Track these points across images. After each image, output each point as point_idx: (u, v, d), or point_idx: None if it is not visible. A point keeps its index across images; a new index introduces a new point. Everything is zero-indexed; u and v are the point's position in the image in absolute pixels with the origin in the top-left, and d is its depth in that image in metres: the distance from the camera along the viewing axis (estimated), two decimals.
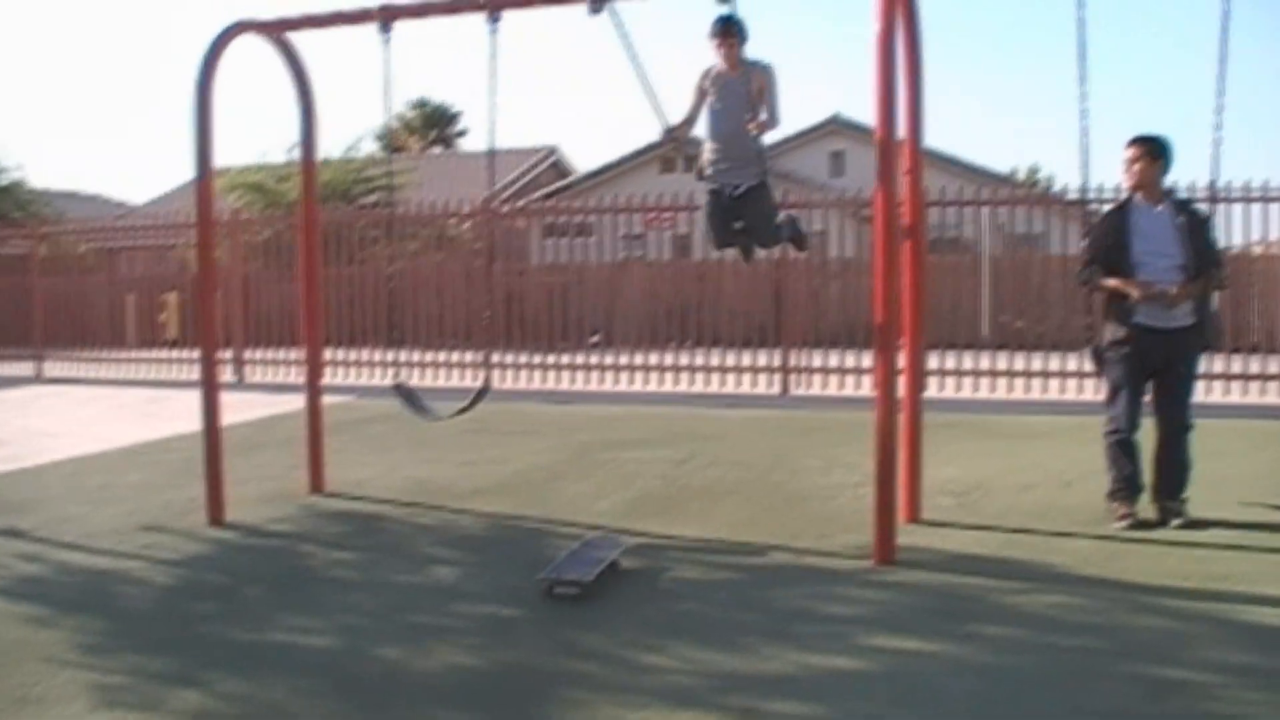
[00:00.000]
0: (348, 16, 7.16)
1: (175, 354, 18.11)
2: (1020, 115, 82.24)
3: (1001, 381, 13.66)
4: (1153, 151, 6.60)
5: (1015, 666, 4.45)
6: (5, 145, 39.32)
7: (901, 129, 6.45)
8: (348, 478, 8.55)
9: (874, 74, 5.75)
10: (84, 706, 4.30)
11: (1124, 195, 6.94)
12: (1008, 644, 4.71)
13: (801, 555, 6.15)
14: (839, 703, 4.12)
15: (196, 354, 17.42)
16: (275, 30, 7.48)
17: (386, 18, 6.95)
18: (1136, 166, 6.58)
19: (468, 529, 7.08)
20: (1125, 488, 6.67)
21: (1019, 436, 10.16)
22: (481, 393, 6.96)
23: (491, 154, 7.07)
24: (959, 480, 7.93)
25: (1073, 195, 13.58)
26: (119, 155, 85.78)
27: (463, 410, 6.99)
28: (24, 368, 19.00)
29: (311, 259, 8.27)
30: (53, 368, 18.84)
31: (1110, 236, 6.66)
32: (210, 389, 7.49)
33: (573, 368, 15.53)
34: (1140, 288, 6.41)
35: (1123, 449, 6.67)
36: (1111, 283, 6.59)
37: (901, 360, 6.69)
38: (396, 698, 4.32)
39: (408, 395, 7.17)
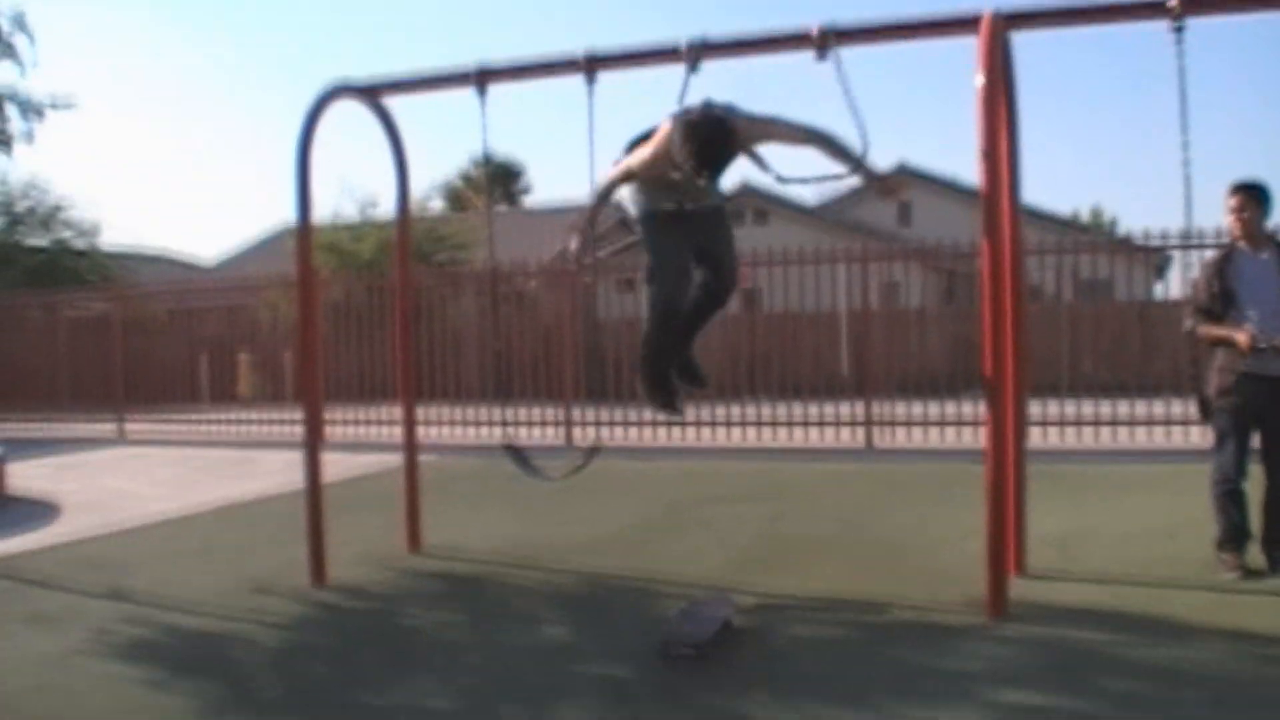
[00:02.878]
0: (446, 80, 7.26)
1: (256, 414, 18.30)
2: (1080, 156, 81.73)
3: (1089, 430, 13.52)
4: (1257, 198, 6.54)
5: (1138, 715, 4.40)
6: (84, 207, 39.70)
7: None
8: (444, 538, 8.58)
9: (978, 126, 5.75)
10: None
11: (1227, 242, 6.88)
12: (1132, 699, 4.65)
13: (912, 611, 6.10)
14: None
15: (274, 414, 17.81)
16: (373, 95, 7.59)
17: (483, 80, 7.03)
18: (1245, 214, 6.52)
19: (571, 588, 7.08)
20: (1234, 537, 6.58)
21: (1113, 487, 10.06)
22: (594, 452, 6.95)
23: (594, 211, 7.06)
24: (1060, 532, 7.85)
25: (1155, 241, 13.49)
26: (180, 213, 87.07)
27: (577, 470, 6.97)
28: (107, 429, 19.27)
29: (406, 317, 8.36)
30: (134, 428, 19.09)
31: (1215, 284, 6.60)
32: (313, 448, 7.58)
33: (655, 423, 15.50)
34: (1247, 336, 6.34)
35: (1231, 499, 6.58)
36: (1218, 332, 6.52)
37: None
38: None
39: (517, 454, 7.18)
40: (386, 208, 26.70)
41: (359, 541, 8.61)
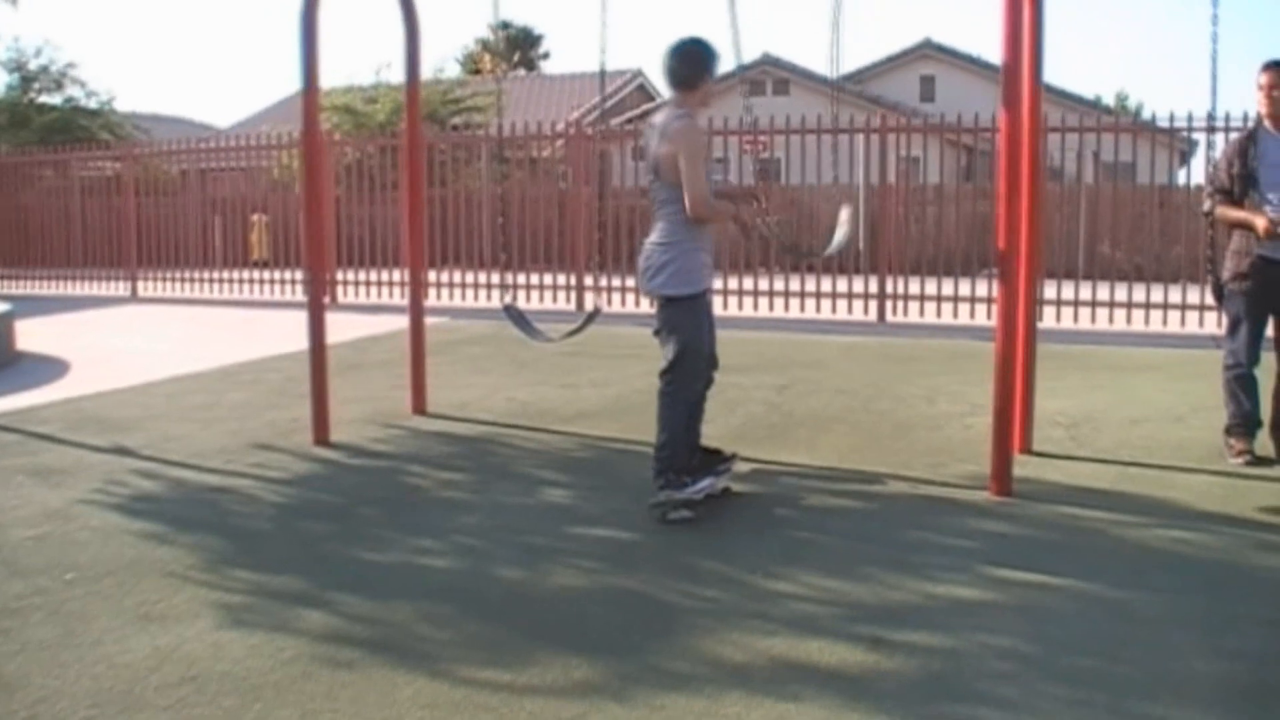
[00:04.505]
0: None
1: (266, 275, 18.27)
2: (1103, 40, 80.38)
3: (1103, 312, 13.41)
4: None
5: (1144, 603, 4.35)
6: (92, 69, 39.55)
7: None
8: (449, 399, 8.58)
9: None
10: (209, 624, 4.30)
11: (1251, 123, 6.71)
12: (1134, 580, 4.60)
13: (915, 485, 6.08)
14: (966, 635, 4.04)
15: (286, 275, 17.76)
16: None
17: None
18: (1276, 93, 6.30)
19: (575, 452, 7.07)
20: (1243, 423, 6.51)
21: (1124, 370, 9.99)
22: (592, 316, 6.90)
23: (603, 76, 6.94)
24: (1069, 413, 7.81)
25: (1178, 123, 13.24)
26: (202, 78, 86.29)
27: (573, 333, 6.94)
28: (120, 287, 19.26)
29: (416, 178, 8.27)
30: (145, 288, 19.07)
31: (1236, 166, 6.44)
32: (316, 307, 7.52)
33: None
34: (1267, 221, 6.19)
35: (1241, 384, 6.49)
36: (1236, 214, 6.38)
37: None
38: (520, 621, 4.30)
39: (518, 317, 7.13)
40: (401, 70, 26.40)
41: (364, 401, 8.62)
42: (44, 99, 31.10)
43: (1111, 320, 13.32)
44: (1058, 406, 7.89)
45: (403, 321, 11.97)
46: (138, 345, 12.89)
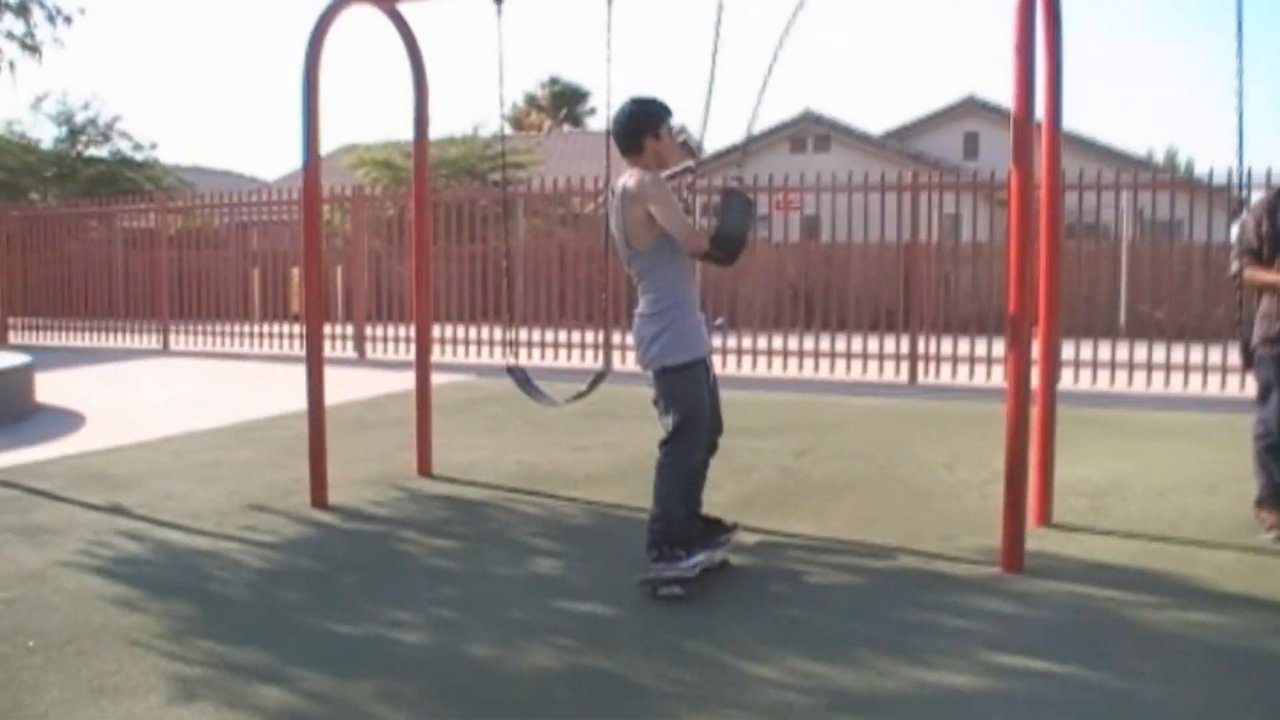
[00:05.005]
0: None
1: (298, 329, 18.19)
2: (1156, 96, 79.96)
3: (1140, 374, 13.06)
4: None
5: (1153, 698, 4.04)
6: (138, 122, 40.06)
7: (1040, 107, 6.01)
8: (457, 460, 8.38)
9: (1012, 46, 5.34)
10: (160, 699, 4.09)
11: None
12: (1144, 670, 4.28)
13: (923, 559, 5.78)
14: None
15: (331, 330, 17.62)
16: (385, 2, 7.28)
17: None
18: None
19: (575, 519, 6.83)
20: (1274, 495, 6.17)
21: (1157, 434, 9.66)
22: (600, 376, 6.66)
23: (609, 133, 6.72)
24: (1092, 481, 7.49)
25: (1219, 180, 12.93)
26: (252, 132, 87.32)
27: (580, 395, 6.68)
28: (152, 340, 19.26)
29: (421, 233, 8.11)
30: (178, 340, 19.05)
31: (1264, 226, 6.16)
32: (315, 364, 7.31)
33: None
34: None
35: (1272, 454, 6.16)
36: (1266, 277, 6.09)
37: (1035, 351, 6.28)
38: (482, 703, 4.05)
39: (522, 378, 6.91)
40: (441, 126, 26.50)
41: (371, 461, 8.44)
42: (91, 151, 31.40)
43: (1149, 383, 12.97)
44: (1083, 474, 7.59)
45: (434, 378, 11.90)
46: (158, 399, 12.78)
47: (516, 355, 7.14)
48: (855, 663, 4.35)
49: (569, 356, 15.61)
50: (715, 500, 6.99)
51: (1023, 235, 5.46)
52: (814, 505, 7.01)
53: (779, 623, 4.87)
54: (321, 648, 4.65)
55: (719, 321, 15.70)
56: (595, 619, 4.98)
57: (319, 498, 7.10)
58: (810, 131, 29.86)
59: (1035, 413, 6.24)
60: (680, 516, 5.34)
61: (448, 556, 6.04)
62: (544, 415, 9.49)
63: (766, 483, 7.65)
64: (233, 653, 4.60)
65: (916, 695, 4.05)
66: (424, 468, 8.00)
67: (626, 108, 5.40)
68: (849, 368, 14.36)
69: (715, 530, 5.67)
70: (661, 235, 5.20)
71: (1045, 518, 6.39)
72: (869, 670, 4.28)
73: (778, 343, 14.85)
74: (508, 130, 30.13)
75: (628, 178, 5.29)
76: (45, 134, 31.89)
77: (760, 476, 7.82)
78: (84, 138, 31.40)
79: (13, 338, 20.77)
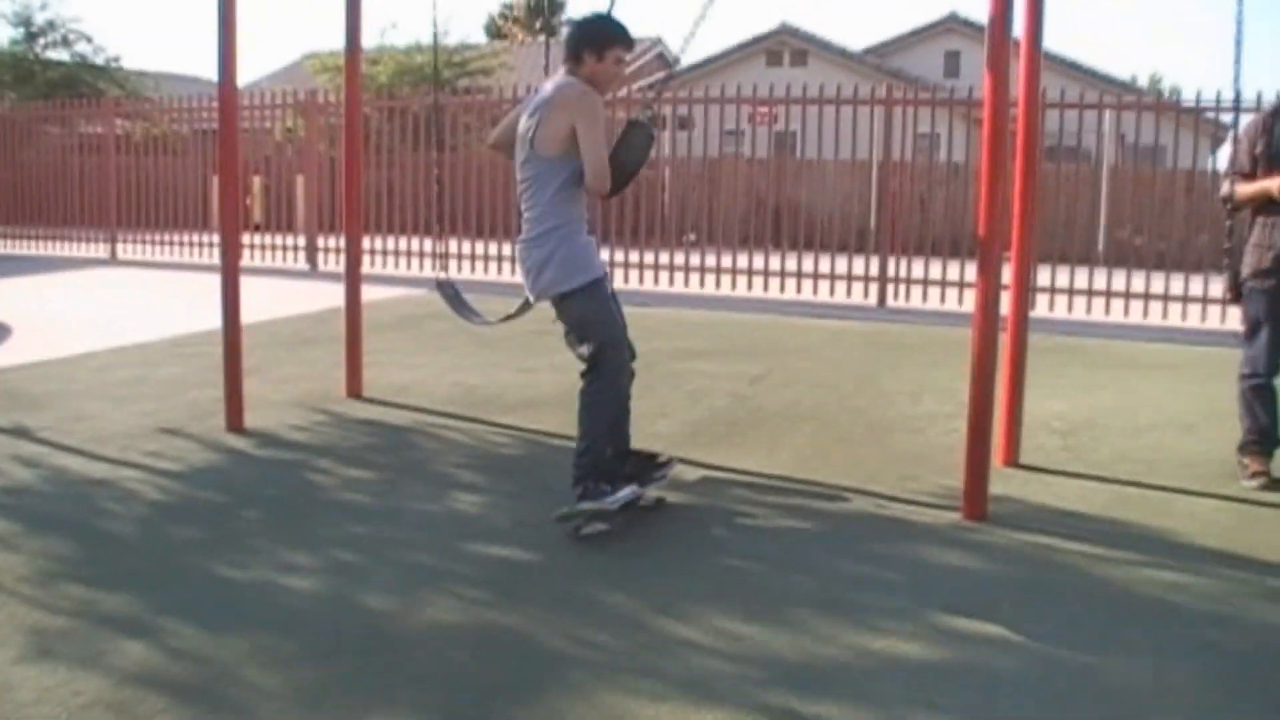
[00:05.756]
0: None
1: (257, 240, 17.56)
2: (1140, 21, 79.03)
3: (1118, 303, 12.58)
4: None
5: (1119, 670, 3.56)
6: (103, 25, 38.98)
7: (1019, 21, 5.46)
8: (393, 380, 7.91)
9: None
10: (10, 656, 3.61)
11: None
12: (1111, 638, 3.81)
13: (878, 502, 5.30)
14: (898, 709, 3.29)
15: (279, 240, 17.02)
16: None
17: None
18: None
19: (507, 448, 6.33)
20: (1259, 440, 5.71)
21: (1136, 366, 9.19)
22: (527, 304, 6.10)
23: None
24: (1066, 417, 7.04)
25: (1206, 103, 12.42)
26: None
27: (511, 317, 6.11)
28: (99, 249, 18.61)
29: (353, 142, 7.57)
30: (127, 250, 18.39)
31: (1260, 144, 5.64)
32: (230, 277, 6.84)
33: (657, 268, 14.68)
34: None
35: (1258, 396, 5.69)
36: (1251, 188, 5.59)
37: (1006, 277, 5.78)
38: (365, 667, 3.57)
39: (452, 294, 6.36)
40: (406, 32, 25.75)
41: (300, 381, 7.97)
42: (50, 55, 30.41)
43: (1127, 312, 12.48)
44: (1056, 409, 7.14)
45: (381, 292, 11.32)
46: (93, 312, 12.19)
47: (446, 269, 6.56)
48: (792, 625, 3.87)
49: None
50: (660, 430, 6.56)
51: (995, 153, 4.93)
52: (765, 437, 6.53)
53: (713, 574, 4.40)
54: (202, 595, 4.17)
55: (691, 238, 15.16)
56: (511, 565, 4.51)
57: (235, 422, 6.60)
58: (787, 45, 29.19)
59: (1005, 342, 5.76)
60: (606, 448, 4.93)
61: (361, 490, 5.53)
62: (494, 334, 8.96)
63: (716, 411, 7.17)
64: (103, 600, 4.12)
65: (856, 665, 3.57)
66: (354, 389, 7.50)
67: (579, 19, 5.13)
68: (816, 289, 13.83)
69: (649, 465, 5.20)
70: (570, 153, 4.78)
71: (1012, 457, 5.93)
72: (806, 634, 3.80)
73: (744, 262, 14.29)
74: (480, 39, 29.41)
75: (565, 84, 4.85)
76: (2, 37, 30.89)
77: (711, 404, 7.34)
78: (43, 40, 30.37)
79: None
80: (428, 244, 15.75)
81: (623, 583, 4.27)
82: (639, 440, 5.48)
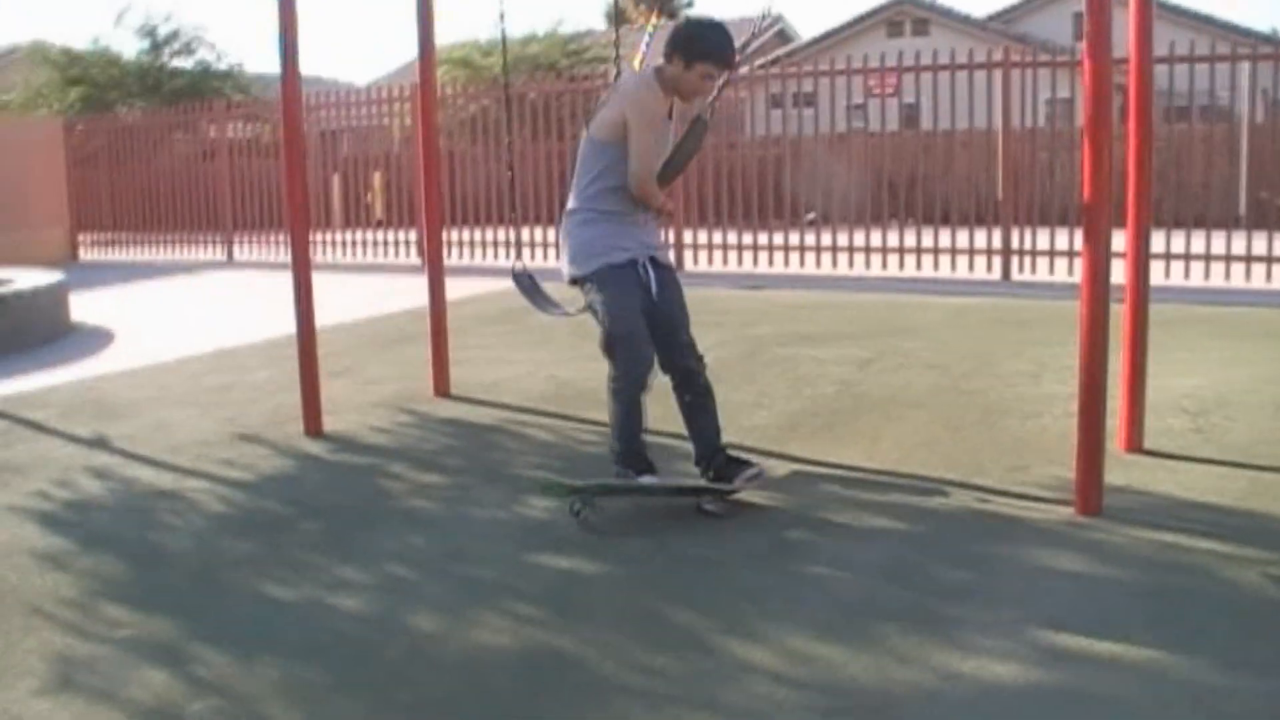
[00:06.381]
0: None
1: (378, 236, 17.46)
2: None
3: (1259, 268, 11.81)
4: None
5: (1248, 696, 3.08)
6: (225, 32, 39.66)
7: None
8: (484, 378, 7.63)
9: None
10: (32, 687, 3.39)
11: None
12: (1240, 656, 3.31)
13: (983, 496, 4.83)
14: None
15: (400, 236, 16.89)
16: None
17: None
18: None
19: (590, 446, 5.94)
20: None
21: (1276, 337, 8.50)
22: None
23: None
24: (1198, 395, 6.44)
25: None
26: (341, 38, 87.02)
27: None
28: (217, 251, 18.70)
29: (429, 138, 7.29)
30: (243, 252, 18.43)
31: None
32: (303, 280, 6.61)
33: (771, 249, 14.24)
34: None
35: None
36: None
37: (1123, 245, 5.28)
38: (401, 696, 3.25)
39: (529, 285, 6.02)
40: (524, 23, 25.75)
41: (391, 381, 7.76)
42: (176, 63, 30.86)
43: (1268, 278, 11.71)
44: (1187, 386, 6.56)
45: (487, 285, 11.05)
46: (199, 315, 12.15)
47: (520, 258, 6.21)
48: (874, 642, 3.44)
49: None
50: (756, 421, 6.18)
51: (1098, 113, 4.44)
52: (868, 427, 6.09)
53: (792, 584, 3.99)
54: (242, 616, 3.91)
55: (811, 216, 14.67)
56: (572, 578, 4.16)
57: (313, 426, 6.37)
58: (907, 15, 28.50)
59: (1124, 314, 5.26)
60: (634, 439, 4.87)
61: (430, 495, 5.24)
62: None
63: (821, 399, 6.73)
64: (139, 623, 3.88)
65: (944, 691, 3.14)
66: (441, 388, 7.22)
67: (690, 20, 5.06)
68: (936, 264, 13.26)
69: (735, 469, 4.91)
70: (615, 141, 4.72)
71: (1135, 442, 5.40)
72: (888, 656, 3.37)
73: (861, 240, 13.75)
74: (600, 27, 29.11)
75: (637, 76, 4.89)
76: (130, 48, 31.35)
77: (815, 392, 6.91)
78: (168, 50, 30.83)
79: (83, 255, 20.32)
80: (539, 234, 15.49)
81: (690, 597, 3.90)
82: (731, 433, 5.14)
